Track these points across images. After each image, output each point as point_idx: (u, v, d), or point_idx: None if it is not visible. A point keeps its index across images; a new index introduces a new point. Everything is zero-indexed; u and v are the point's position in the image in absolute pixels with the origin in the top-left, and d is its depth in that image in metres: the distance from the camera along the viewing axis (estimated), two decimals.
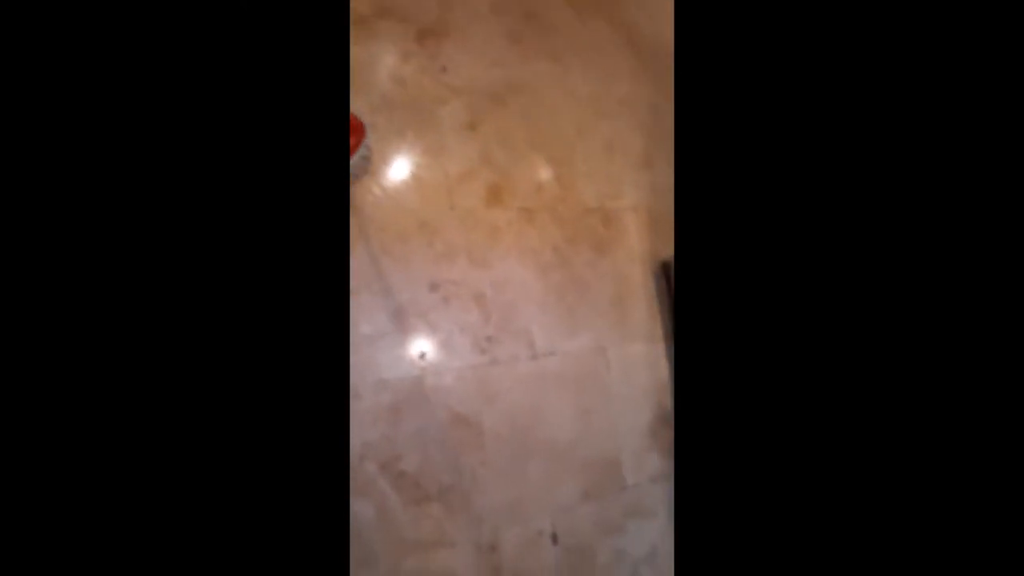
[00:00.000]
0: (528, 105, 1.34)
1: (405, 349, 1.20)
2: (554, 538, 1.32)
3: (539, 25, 1.49)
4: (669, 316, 1.51)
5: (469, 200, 1.25)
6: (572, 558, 1.34)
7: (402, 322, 1.20)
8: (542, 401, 1.32)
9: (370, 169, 1.18)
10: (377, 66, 1.21)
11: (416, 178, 1.22)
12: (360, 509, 1.15)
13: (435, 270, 1.21)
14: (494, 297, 1.28)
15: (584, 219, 1.40)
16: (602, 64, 1.49)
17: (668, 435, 1.49)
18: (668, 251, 1.51)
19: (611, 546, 1.39)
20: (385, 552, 1.16)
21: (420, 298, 1.20)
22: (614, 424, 1.41)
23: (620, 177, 1.47)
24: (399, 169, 1.23)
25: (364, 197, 1.16)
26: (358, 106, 1.11)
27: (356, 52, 1.13)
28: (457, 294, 1.23)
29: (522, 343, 1.31)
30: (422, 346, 1.21)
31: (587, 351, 1.39)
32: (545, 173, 1.36)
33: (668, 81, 1.56)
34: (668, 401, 1.50)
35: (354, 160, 1.13)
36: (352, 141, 1.11)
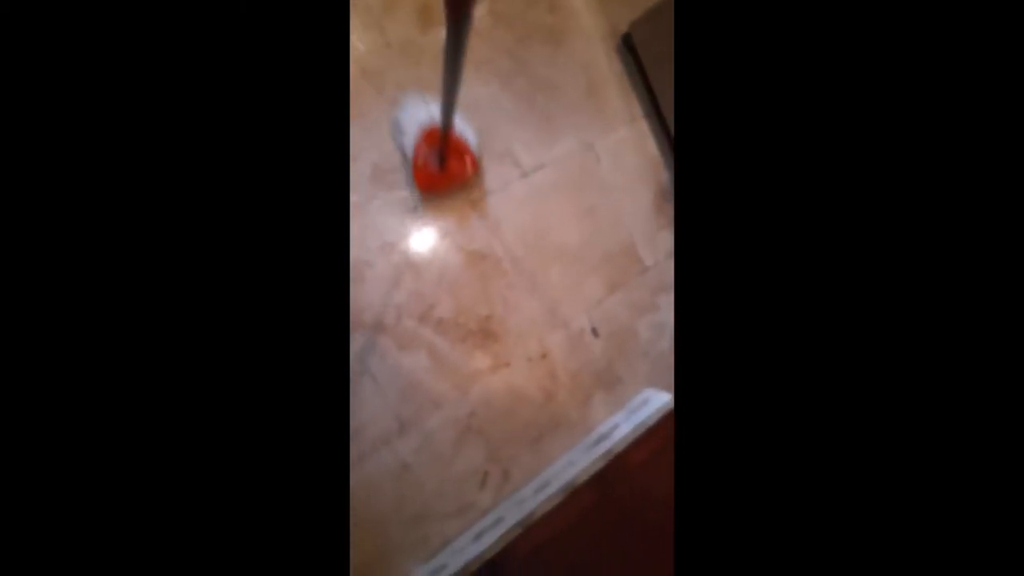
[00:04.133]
0: None
1: (396, 207, 1.19)
2: (595, 331, 1.42)
3: None
4: (643, 90, 1.45)
5: (403, 30, 1.15)
6: (617, 342, 1.45)
7: (383, 181, 1.18)
8: (545, 213, 1.34)
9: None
10: None
11: None
12: (413, 361, 1.23)
13: (395, 115, 1.15)
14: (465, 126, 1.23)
15: (528, 13, 1.29)
16: None
17: (672, 208, 1.51)
18: (625, 22, 1.41)
19: (648, 322, 1.50)
20: (449, 390, 1.27)
21: (390, 151, 1.16)
22: (619, 213, 1.43)
23: None
24: None
25: None
26: None
27: None
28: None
29: (508, 165, 1.29)
30: (411, 198, 1.20)
31: (574, 152, 1.36)
32: None
33: None
34: (664, 176, 1.50)
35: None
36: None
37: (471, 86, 1.23)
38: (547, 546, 1.15)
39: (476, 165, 1.18)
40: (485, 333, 1.29)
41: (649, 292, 1.50)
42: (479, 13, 1.24)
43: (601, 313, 1.42)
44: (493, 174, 1.27)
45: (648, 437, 1.30)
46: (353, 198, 1.14)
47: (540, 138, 1.32)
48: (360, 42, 1.12)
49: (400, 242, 1.20)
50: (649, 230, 1.49)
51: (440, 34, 1.20)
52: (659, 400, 1.44)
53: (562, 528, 1.17)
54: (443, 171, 1.14)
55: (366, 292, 1.17)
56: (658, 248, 1.50)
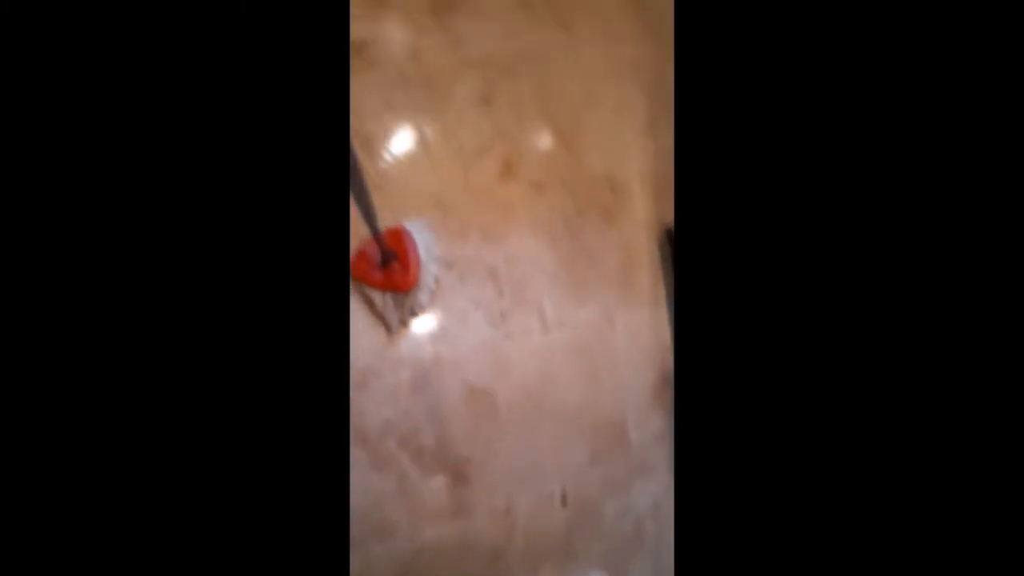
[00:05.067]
0: (539, 74, 1.29)
1: (423, 327, 1.20)
2: (564, 499, 1.38)
3: None
4: (671, 282, 1.53)
5: (484, 176, 1.22)
6: (580, 517, 1.41)
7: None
8: (553, 370, 1.35)
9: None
10: (392, 41, 1.14)
11: (432, 156, 1.18)
12: (380, 483, 1.18)
13: (449, 248, 1.19)
14: (507, 272, 1.27)
15: (593, 188, 1.39)
16: (608, 27, 1.43)
17: (670, 394, 1.54)
18: (672, 217, 1.52)
19: (617, 503, 1.46)
20: (404, 523, 1.20)
21: (437, 276, 1.19)
22: (620, 387, 1.45)
23: (626, 142, 1.45)
24: (418, 148, 1.18)
25: (383, 177, 1.11)
26: (374, 80, 1.05)
27: (370, 27, 1.06)
28: (472, 270, 1.22)
29: (534, 316, 1.32)
30: (439, 322, 1.21)
31: (595, 319, 1.41)
32: (555, 144, 1.33)
33: (672, 42, 1.52)
34: (670, 362, 1.54)
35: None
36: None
37: (524, 240, 1.28)
38: None
39: (416, 278, 1.15)
40: (458, 475, 1.25)
41: (627, 472, 1.48)
42: (549, 179, 1.33)
43: (576, 482, 1.39)
44: (516, 321, 1.29)
45: None
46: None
47: (569, 298, 1.36)
48: (441, 179, 1.19)
49: (411, 358, 1.19)
50: (643, 411, 1.50)
51: (515, 189, 1.28)
52: None
53: None
54: (384, 271, 1.12)
55: (362, 401, 1.14)
56: (646, 431, 1.51)
